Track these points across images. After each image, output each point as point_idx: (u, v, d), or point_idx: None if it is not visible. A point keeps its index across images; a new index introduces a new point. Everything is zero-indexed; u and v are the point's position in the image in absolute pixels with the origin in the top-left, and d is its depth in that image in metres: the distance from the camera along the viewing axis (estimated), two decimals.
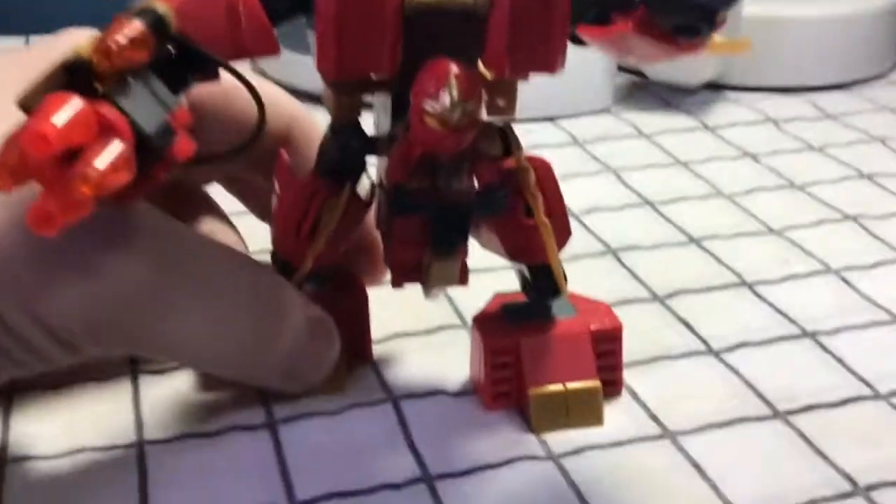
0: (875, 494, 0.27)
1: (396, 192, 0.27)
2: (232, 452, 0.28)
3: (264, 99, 0.25)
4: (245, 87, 0.25)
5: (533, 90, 0.56)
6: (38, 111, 0.21)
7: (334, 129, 0.29)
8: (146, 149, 0.22)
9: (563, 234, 0.30)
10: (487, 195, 0.28)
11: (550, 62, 0.26)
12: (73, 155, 0.21)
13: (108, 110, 0.22)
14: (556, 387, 0.30)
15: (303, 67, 0.52)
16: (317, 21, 0.25)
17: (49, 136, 0.20)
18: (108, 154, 0.21)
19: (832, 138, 0.52)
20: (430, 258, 0.29)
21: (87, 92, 0.21)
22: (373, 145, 0.28)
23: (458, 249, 0.29)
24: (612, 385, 0.31)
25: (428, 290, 0.30)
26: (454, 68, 0.24)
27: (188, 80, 0.25)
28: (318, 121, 0.33)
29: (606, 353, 0.31)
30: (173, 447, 0.29)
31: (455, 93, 0.24)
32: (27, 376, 0.26)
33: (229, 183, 0.36)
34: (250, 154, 0.27)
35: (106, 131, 0.21)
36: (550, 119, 0.54)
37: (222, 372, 0.29)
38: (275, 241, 0.30)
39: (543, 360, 0.30)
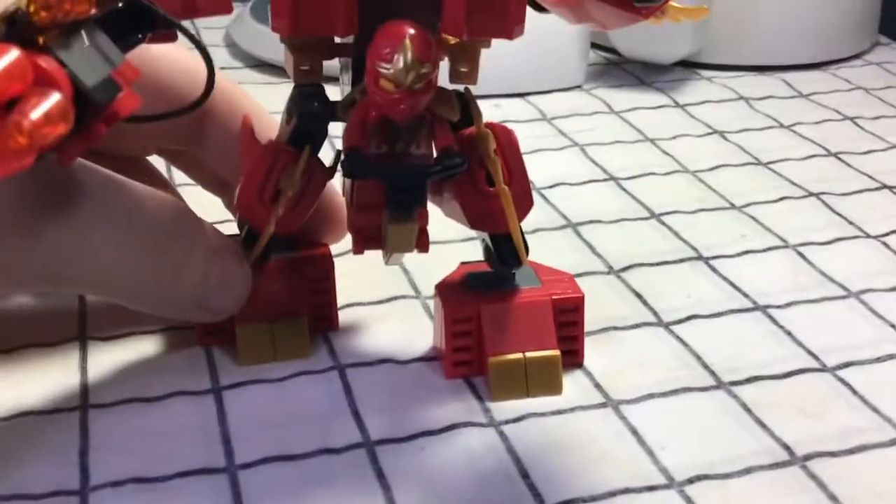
0: (811, 464, 0.27)
1: (352, 157, 0.27)
2: (175, 417, 0.29)
3: (185, 68, 0.25)
4: (193, 44, 0.25)
5: (505, 66, 0.56)
6: None
7: (295, 94, 0.29)
8: (87, 102, 0.23)
9: (525, 203, 0.30)
10: (444, 160, 0.28)
11: (508, 27, 0.26)
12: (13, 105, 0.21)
13: (46, 62, 0.21)
14: (515, 355, 0.30)
15: (273, 40, 0.52)
16: None
17: None
18: (44, 105, 0.21)
19: (803, 117, 0.52)
20: (386, 223, 0.29)
21: (29, 44, 0.21)
22: (333, 110, 0.28)
23: (414, 215, 0.29)
24: (572, 355, 0.31)
25: (387, 255, 0.30)
26: (409, 31, 0.24)
27: (138, 37, 0.25)
28: (242, 93, 0.33)
29: (568, 323, 0.31)
30: (117, 411, 0.29)
31: (409, 55, 0.24)
32: None
33: (172, 157, 0.36)
34: (173, 124, 0.27)
35: (43, 82, 0.21)
36: (521, 95, 0.54)
37: (137, 303, 0.29)
38: (239, 205, 0.30)
39: (504, 328, 0.30)
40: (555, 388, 0.30)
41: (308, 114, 0.29)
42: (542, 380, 0.30)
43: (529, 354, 0.30)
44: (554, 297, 0.30)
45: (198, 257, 0.29)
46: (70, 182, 0.26)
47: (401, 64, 0.24)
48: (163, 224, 0.28)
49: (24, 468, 0.26)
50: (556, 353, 0.30)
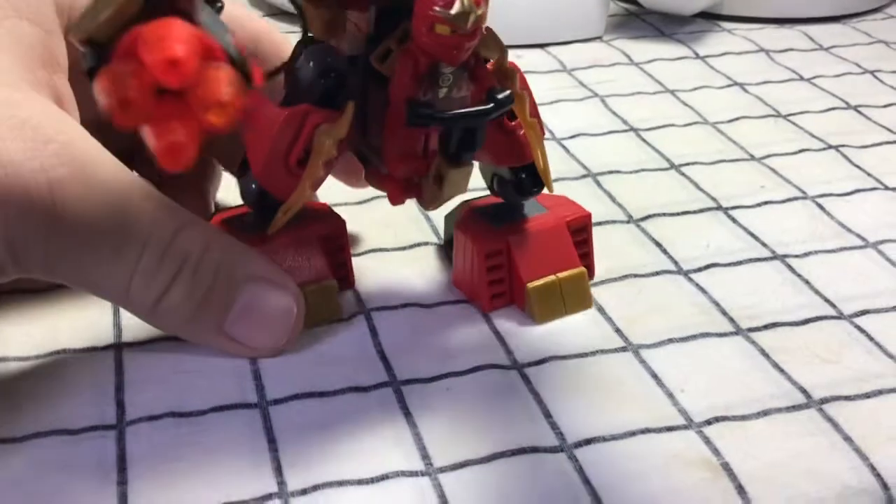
0: (827, 407, 0.28)
1: (413, 107, 0.27)
2: (207, 355, 0.29)
3: (226, 17, 0.25)
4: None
5: (526, 17, 0.56)
6: (153, 39, 0.20)
7: (309, 54, 0.28)
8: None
9: (541, 133, 0.31)
10: (495, 98, 0.28)
11: None
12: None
13: (204, 36, 0.21)
14: (549, 278, 0.31)
15: None
16: None
17: (182, 62, 0.20)
18: (230, 82, 0.21)
19: (823, 69, 0.52)
20: (444, 168, 0.29)
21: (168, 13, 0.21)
22: (353, 65, 0.28)
23: (471, 156, 0.29)
24: (588, 270, 0.33)
25: (435, 200, 0.30)
26: None
27: (218, 5, 0.25)
28: (284, 38, 0.34)
29: (580, 241, 0.32)
30: (151, 349, 0.30)
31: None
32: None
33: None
34: None
35: (208, 57, 0.21)
36: (541, 46, 0.54)
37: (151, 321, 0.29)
38: (260, 174, 0.28)
39: (532, 254, 0.31)
40: (587, 302, 0.32)
41: (330, 69, 0.28)
42: (576, 297, 0.32)
43: (561, 275, 0.31)
44: (567, 219, 0.32)
45: (223, 284, 0.28)
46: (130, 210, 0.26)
47: (459, 7, 0.25)
48: (207, 264, 0.28)
49: (61, 405, 0.27)
50: (583, 269, 0.32)
